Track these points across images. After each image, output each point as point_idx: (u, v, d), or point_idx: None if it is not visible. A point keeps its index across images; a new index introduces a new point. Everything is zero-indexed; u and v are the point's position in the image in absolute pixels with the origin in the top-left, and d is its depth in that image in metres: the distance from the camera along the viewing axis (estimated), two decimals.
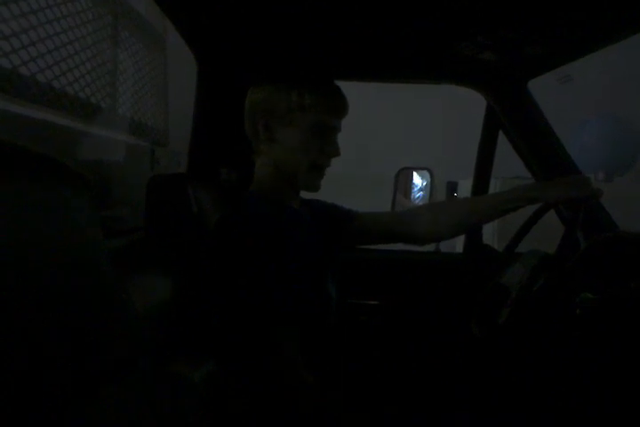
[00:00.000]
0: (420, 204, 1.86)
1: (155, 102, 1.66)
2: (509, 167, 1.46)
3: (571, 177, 1.18)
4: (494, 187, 2.42)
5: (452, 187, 2.65)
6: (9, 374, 0.39)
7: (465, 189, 1.92)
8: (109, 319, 0.53)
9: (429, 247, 1.47)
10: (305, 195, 1.13)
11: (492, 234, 1.71)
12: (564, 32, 1.01)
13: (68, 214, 0.50)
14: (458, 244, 1.55)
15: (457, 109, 2.31)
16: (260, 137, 1.02)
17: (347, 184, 2.88)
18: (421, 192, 1.88)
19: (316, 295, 1.00)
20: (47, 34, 1.03)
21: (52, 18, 1.06)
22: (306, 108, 0.99)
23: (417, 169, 1.84)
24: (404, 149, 2.94)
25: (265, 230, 0.90)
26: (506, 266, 1.24)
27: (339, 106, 1.03)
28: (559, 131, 1.38)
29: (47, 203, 0.47)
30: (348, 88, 1.12)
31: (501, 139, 1.52)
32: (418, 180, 1.90)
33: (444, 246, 1.71)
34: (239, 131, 1.07)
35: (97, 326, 0.51)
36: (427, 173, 1.82)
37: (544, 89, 1.73)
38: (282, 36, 1.11)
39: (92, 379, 0.48)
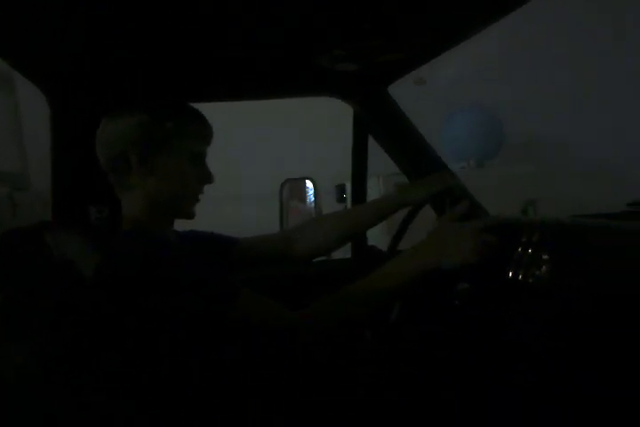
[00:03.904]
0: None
1: (8, 146, 1.55)
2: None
3: (431, 176, 1.28)
4: (378, 184, 2.53)
5: (341, 189, 2.74)
6: None
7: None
8: None
9: None
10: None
11: (380, 235, 1.78)
12: (413, 39, 1.07)
13: None
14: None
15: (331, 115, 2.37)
16: (133, 169, 0.96)
17: (229, 204, 2.87)
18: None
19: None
20: None
21: None
22: (184, 137, 0.98)
23: (299, 180, 1.86)
24: (287, 161, 2.97)
25: (151, 272, 0.86)
26: None
27: (209, 132, 1.05)
28: (431, 126, 1.47)
29: None
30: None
31: None
32: (310, 184, 1.91)
33: None
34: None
35: None
36: (309, 182, 1.85)
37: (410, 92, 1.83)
38: (129, 63, 1.08)
39: None
